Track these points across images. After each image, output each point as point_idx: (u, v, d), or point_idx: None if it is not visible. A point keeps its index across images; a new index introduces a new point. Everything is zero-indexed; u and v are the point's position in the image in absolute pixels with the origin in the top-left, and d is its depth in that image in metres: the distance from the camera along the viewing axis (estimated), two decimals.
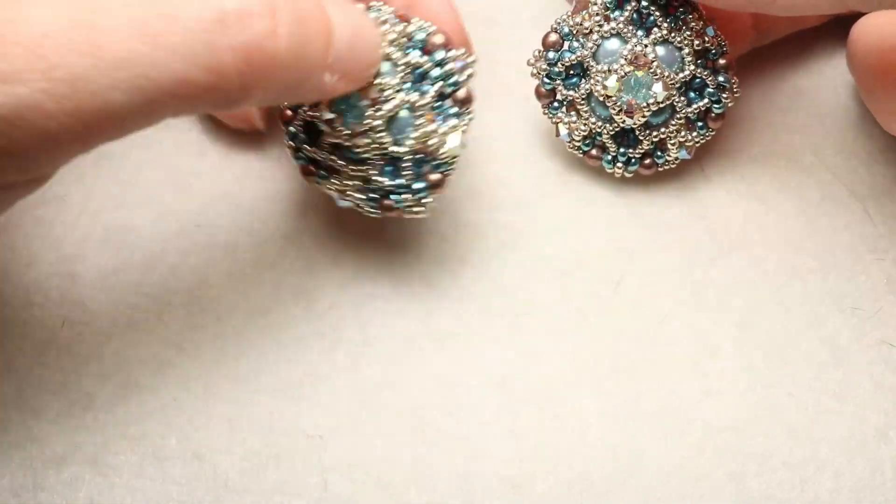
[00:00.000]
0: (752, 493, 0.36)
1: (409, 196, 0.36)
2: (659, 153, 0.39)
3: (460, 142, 0.36)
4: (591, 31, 0.38)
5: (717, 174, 0.41)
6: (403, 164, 0.36)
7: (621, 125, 0.39)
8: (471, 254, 0.40)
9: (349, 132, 0.35)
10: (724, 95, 0.38)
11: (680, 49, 0.38)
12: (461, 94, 0.36)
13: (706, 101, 0.39)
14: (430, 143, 0.35)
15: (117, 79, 0.28)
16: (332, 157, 0.36)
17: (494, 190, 0.41)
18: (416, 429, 0.37)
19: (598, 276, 0.39)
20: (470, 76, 0.36)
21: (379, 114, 0.35)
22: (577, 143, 0.40)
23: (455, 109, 0.36)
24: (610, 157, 0.40)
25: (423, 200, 0.36)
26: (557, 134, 0.40)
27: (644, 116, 0.38)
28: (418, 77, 0.35)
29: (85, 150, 0.30)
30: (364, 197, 0.37)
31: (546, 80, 0.39)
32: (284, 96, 0.34)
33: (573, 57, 0.39)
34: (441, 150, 0.36)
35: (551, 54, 0.39)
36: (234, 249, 0.40)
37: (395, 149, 0.35)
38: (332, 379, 0.38)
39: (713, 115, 0.39)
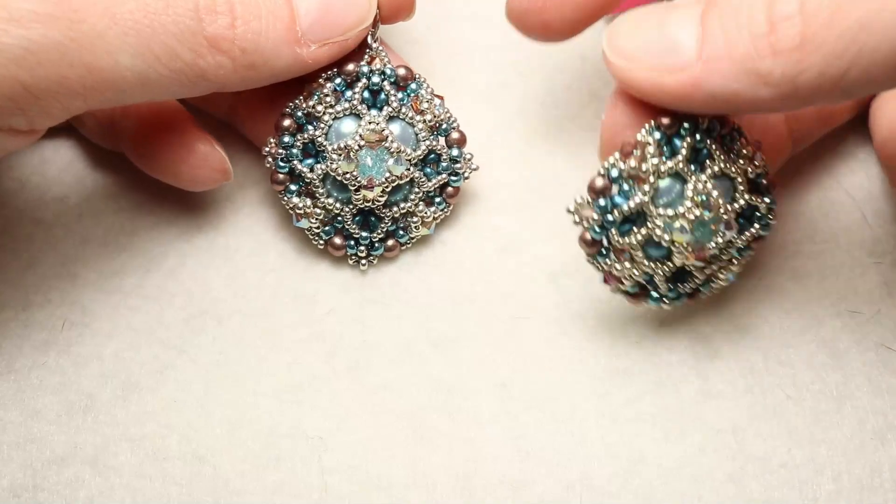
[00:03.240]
0: (752, 494, 0.36)
1: (363, 248, 0.40)
2: (702, 288, 0.36)
3: (433, 230, 0.40)
4: (648, 175, 0.34)
5: None
6: (381, 223, 0.39)
7: (679, 266, 0.35)
8: (469, 257, 0.40)
9: (362, 183, 0.38)
10: (771, 217, 0.36)
11: (733, 180, 0.35)
12: (451, 190, 0.39)
13: (757, 227, 0.36)
14: (413, 219, 0.39)
15: (127, 43, 0.33)
16: (316, 185, 0.38)
17: (493, 193, 0.41)
18: (415, 431, 0.37)
19: (596, 279, 0.39)
20: (467, 178, 0.39)
21: (393, 173, 0.38)
22: (625, 288, 0.36)
23: (440, 199, 0.39)
24: (657, 296, 0.36)
25: (371, 255, 0.40)
26: (605, 281, 0.36)
27: (713, 257, 0.35)
28: (431, 160, 0.39)
29: (84, 107, 0.33)
30: (321, 229, 0.39)
31: (597, 230, 0.35)
32: (262, 77, 0.36)
33: (633, 204, 0.34)
34: (414, 228, 0.40)
35: (602, 202, 0.35)
36: (235, 252, 0.40)
37: (384, 210, 0.39)
38: (331, 381, 0.38)
39: (759, 237, 0.36)
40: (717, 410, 0.37)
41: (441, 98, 0.39)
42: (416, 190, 0.39)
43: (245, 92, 0.37)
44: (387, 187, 0.38)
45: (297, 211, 0.39)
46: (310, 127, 0.38)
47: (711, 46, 0.32)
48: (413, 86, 0.38)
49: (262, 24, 0.35)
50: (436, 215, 0.40)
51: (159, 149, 0.39)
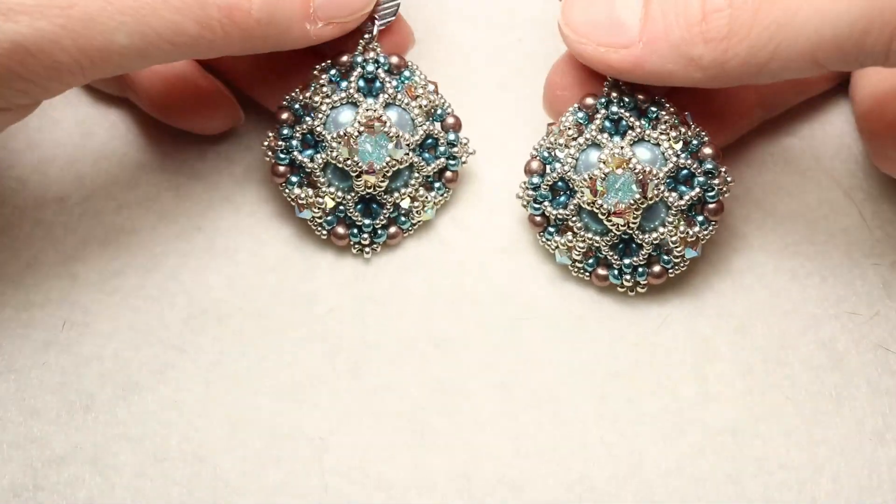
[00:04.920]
0: (751, 495, 0.36)
1: (366, 235, 0.40)
2: (665, 257, 0.38)
3: (433, 214, 0.40)
4: (566, 146, 0.38)
5: None
6: (383, 210, 0.40)
7: (616, 232, 0.38)
8: (470, 257, 0.40)
9: (363, 168, 0.38)
10: (716, 183, 0.37)
11: (658, 145, 0.37)
12: (450, 174, 0.40)
13: (697, 190, 0.37)
14: (414, 204, 0.40)
15: (123, 23, 0.32)
16: (317, 175, 0.39)
17: (496, 195, 0.41)
18: (416, 431, 0.37)
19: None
20: (464, 162, 0.40)
21: (393, 157, 0.38)
22: (580, 265, 0.39)
23: (439, 184, 0.40)
24: (616, 271, 0.38)
25: (375, 243, 0.40)
26: (556, 258, 0.39)
27: (635, 217, 0.37)
28: (429, 145, 0.40)
29: (83, 82, 0.34)
30: (324, 219, 0.40)
31: (534, 205, 0.39)
32: (268, 46, 0.37)
33: (554, 175, 0.38)
34: (416, 214, 0.40)
35: (535, 179, 0.38)
36: (235, 252, 0.40)
37: (385, 196, 0.39)
38: (332, 381, 0.38)
39: (710, 206, 0.37)
40: (716, 411, 0.37)
41: (434, 84, 0.40)
42: (416, 175, 0.39)
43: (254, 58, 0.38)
44: (387, 172, 0.38)
45: (300, 202, 0.39)
46: (308, 118, 0.39)
47: (651, 29, 0.35)
48: (406, 73, 0.39)
49: None
50: (436, 200, 0.40)
51: (170, 99, 0.40)
